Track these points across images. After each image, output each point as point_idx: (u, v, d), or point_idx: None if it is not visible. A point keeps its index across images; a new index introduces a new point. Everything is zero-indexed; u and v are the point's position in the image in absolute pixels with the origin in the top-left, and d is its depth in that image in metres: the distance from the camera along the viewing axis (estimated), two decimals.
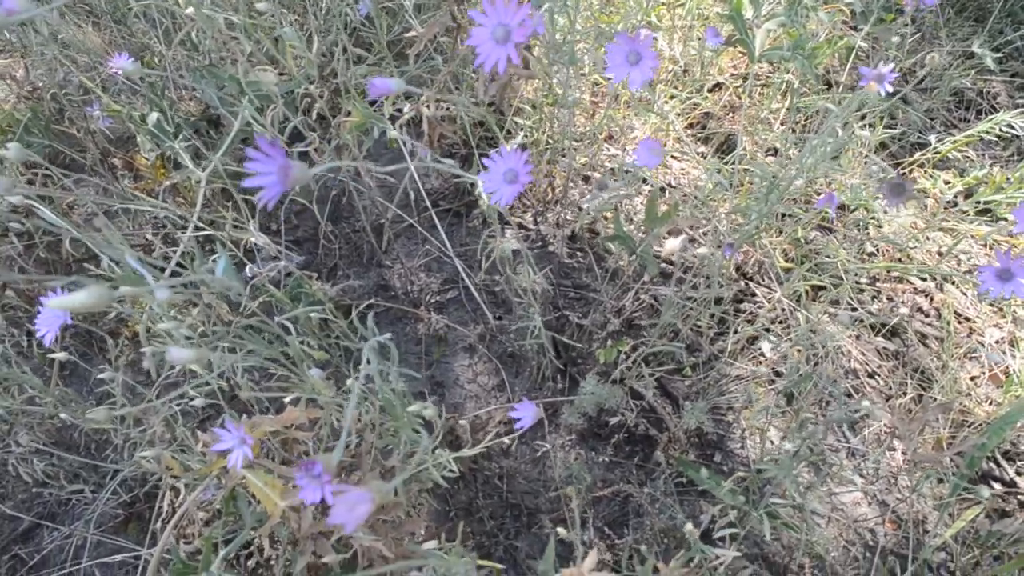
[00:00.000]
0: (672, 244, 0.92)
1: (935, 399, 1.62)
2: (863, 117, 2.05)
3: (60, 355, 1.05)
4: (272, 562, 1.24)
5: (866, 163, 1.97)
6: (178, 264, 1.25)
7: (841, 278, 1.76)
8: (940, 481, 1.53)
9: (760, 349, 1.66)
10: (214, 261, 0.77)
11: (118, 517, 1.36)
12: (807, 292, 1.71)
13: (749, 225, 1.29)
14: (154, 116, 1.57)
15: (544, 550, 1.38)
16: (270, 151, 0.57)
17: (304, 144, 1.36)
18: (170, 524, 1.15)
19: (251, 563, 1.26)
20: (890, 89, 1.03)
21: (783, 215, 1.84)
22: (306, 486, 0.65)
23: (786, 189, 1.33)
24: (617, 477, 1.46)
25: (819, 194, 1.98)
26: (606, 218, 1.76)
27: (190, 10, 1.19)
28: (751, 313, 1.70)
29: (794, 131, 2.05)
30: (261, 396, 1.24)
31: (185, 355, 0.70)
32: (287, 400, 1.38)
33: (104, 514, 1.35)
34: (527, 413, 0.92)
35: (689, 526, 0.97)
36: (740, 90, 2.18)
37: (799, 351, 1.55)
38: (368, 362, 0.96)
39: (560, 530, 1.03)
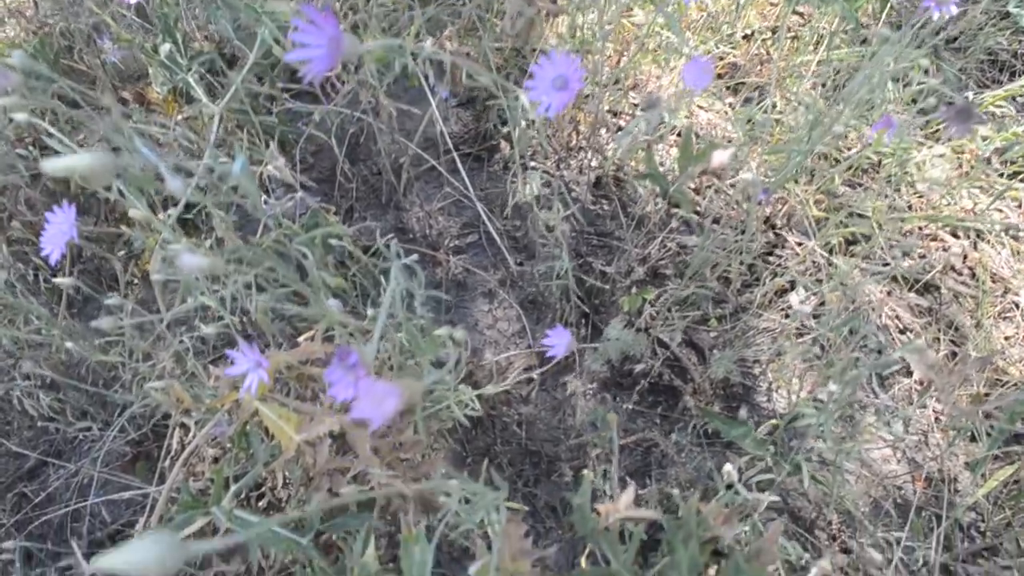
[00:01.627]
0: (720, 156, 0.86)
1: (970, 353, 1.57)
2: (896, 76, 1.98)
3: (67, 280, 1.00)
4: (284, 502, 1.21)
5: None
6: (188, 204, 1.20)
7: (872, 234, 1.70)
8: (973, 439, 1.48)
9: (788, 302, 1.61)
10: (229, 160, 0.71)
11: (126, 456, 1.33)
12: (839, 244, 1.65)
13: (789, 165, 1.23)
14: (167, 47, 1.51)
15: (563, 499, 1.34)
16: (320, 21, 0.52)
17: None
18: (179, 461, 1.11)
19: (262, 503, 1.22)
20: (955, 11, 0.96)
21: (812, 171, 1.78)
22: (338, 380, 0.60)
23: (828, 128, 1.27)
24: (639, 427, 1.42)
25: (850, 148, 1.92)
26: (634, 164, 1.70)
27: None
28: (779, 265, 1.64)
29: (824, 85, 1.98)
30: (276, 332, 1.20)
31: (198, 262, 0.65)
32: (303, 338, 1.33)
33: (111, 452, 1.31)
34: (561, 341, 0.87)
35: (728, 467, 0.92)
36: (770, 42, 2.11)
37: (837, 297, 1.49)
38: (392, 289, 0.92)
39: (586, 472, 0.98)
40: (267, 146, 1.41)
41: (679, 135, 1.86)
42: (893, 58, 1.11)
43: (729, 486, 1.23)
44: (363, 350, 0.59)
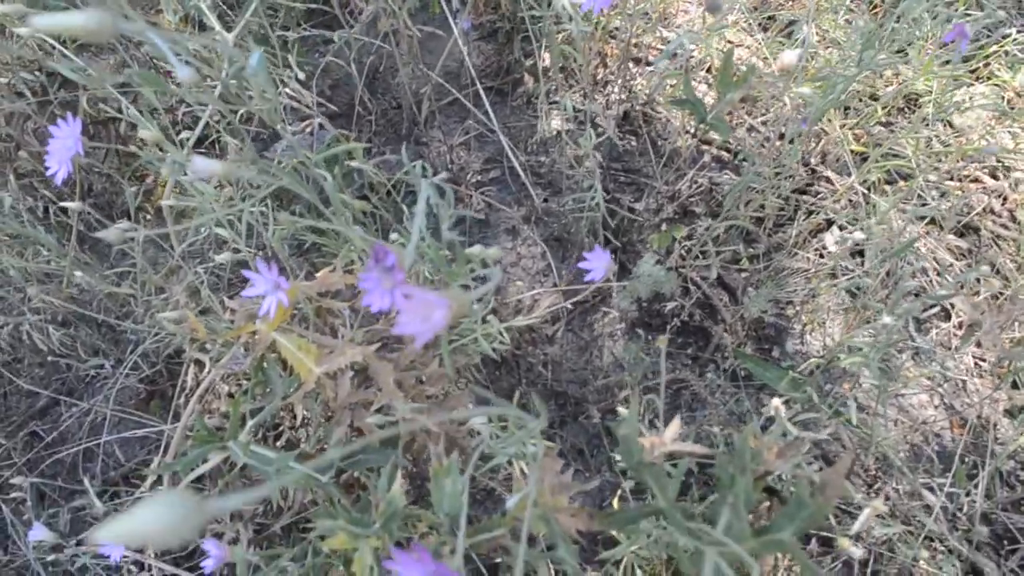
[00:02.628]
0: (788, 57, 0.79)
1: (1014, 295, 1.50)
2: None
3: (76, 204, 0.95)
4: (303, 441, 1.17)
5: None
6: (201, 137, 1.15)
7: (911, 173, 1.63)
8: (1015, 386, 1.43)
9: (822, 241, 1.55)
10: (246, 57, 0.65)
11: (140, 394, 1.28)
12: (878, 182, 1.58)
13: (836, 90, 1.16)
14: None
15: (591, 440, 1.30)
16: None
17: None
18: (194, 396, 1.06)
19: (280, 443, 1.18)
20: None
21: (846, 108, 1.71)
22: (372, 288, 0.54)
23: (872, 60, 1.19)
24: (669, 367, 1.37)
25: (888, 84, 1.84)
26: (662, 98, 1.63)
27: None
28: (815, 204, 1.57)
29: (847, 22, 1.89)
30: (293, 266, 1.15)
31: (212, 166, 0.60)
32: (321, 273, 1.28)
33: (125, 390, 1.27)
34: (600, 263, 0.81)
35: (776, 401, 0.87)
36: None
37: (880, 233, 1.43)
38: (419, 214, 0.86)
39: (621, 409, 0.93)
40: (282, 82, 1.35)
41: (708, 70, 1.78)
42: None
43: (767, 423, 1.18)
44: (400, 250, 0.53)
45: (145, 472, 1.23)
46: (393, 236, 0.89)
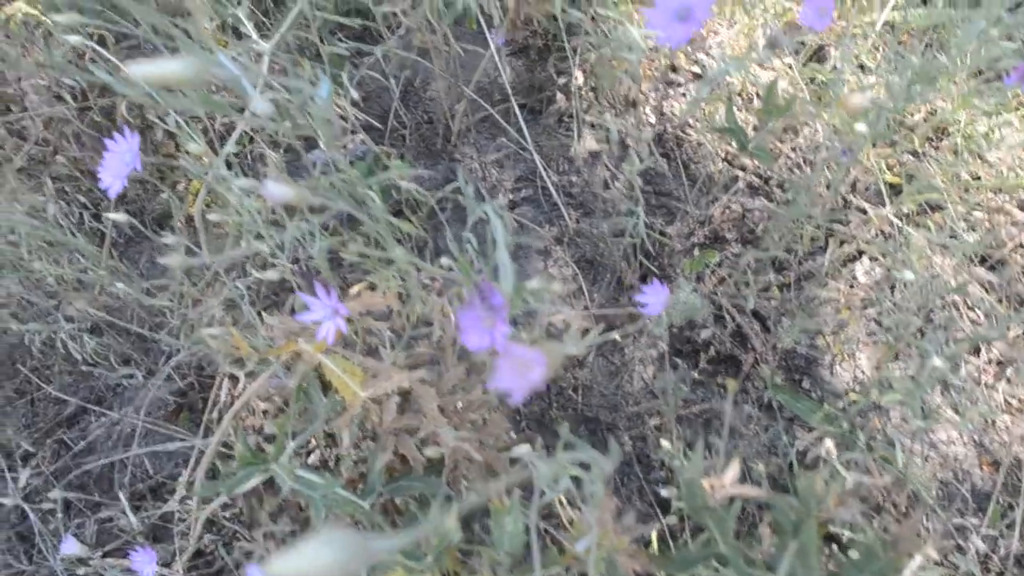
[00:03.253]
0: (857, 99, 0.78)
1: None
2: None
3: (120, 216, 0.94)
4: (337, 461, 1.16)
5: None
6: (236, 147, 1.14)
7: (939, 205, 1.63)
8: None
9: (853, 272, 1.54)
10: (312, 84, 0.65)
11: (169, 405, 1.28)
12: (912, 214, 1.58)
13: (879, 122, 1.15)
14: None
15: (622, 466, 1.29)
16: None
17: (391, 4, 1.23)
18: (229, 413, 1.05)
19: (312, 459, 1.17)
20: None
21: (874, 138, 1.70)
22: (472, 326, 0.54)
23: (931, 83, 1.19)
24: (698, 397, 1.36)
25: (913, 114, 1.83)
26: (694, 121, 1.63)
27: None
28: (846, 235, 1.57)
29: (880, 47, 1.89)
30: (331, 282, 1.14)
31: (284, 190, 0.59)
32: (354, 290, 1.28)
33: (154, 401, 1.26)
34: (657, 297, 0.81)
35: (828, 443, 0.86)
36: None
37: (904, 284, 1.42)
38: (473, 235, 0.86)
39: (664, 442, 0.93)
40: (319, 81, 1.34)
41: (739, 94, 1.78)
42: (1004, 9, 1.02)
43: (800, 455, 1.18)
44: (504, 287, 0.53)
45: (173, 486, 1.23)
46: (445, 261, 0.88)
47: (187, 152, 1.03)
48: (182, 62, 0.42)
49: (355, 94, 1.02)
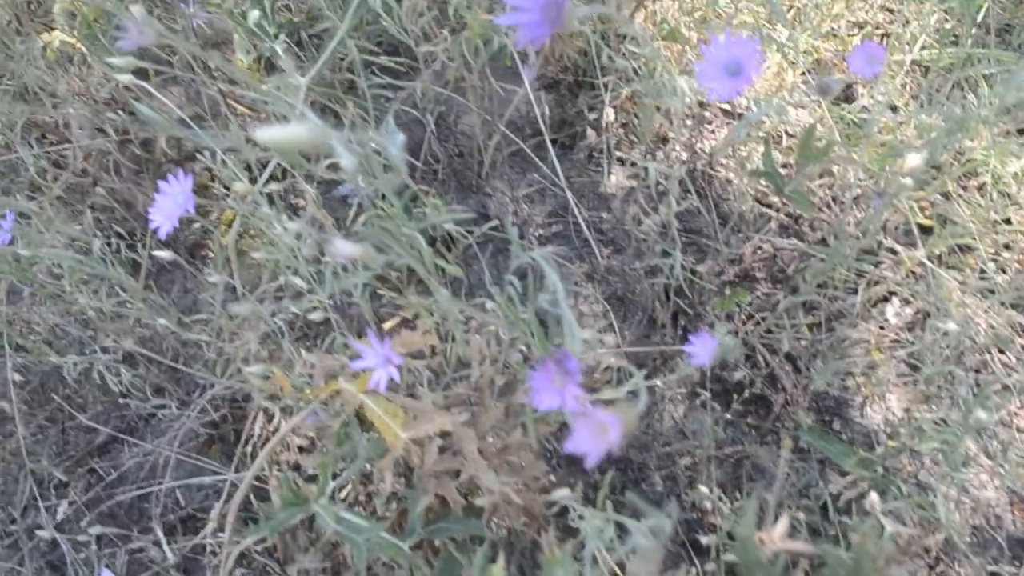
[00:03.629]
0: (914, 160, 0.79)
1: None
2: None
3: (165, 254, 0.95)
4: (368, 497, 1.16)
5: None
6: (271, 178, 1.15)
7: (970, 247, 1.62)
8: None
9: (883, 312, 1.54)
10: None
11: (201, 437, 1.28)
12: (944, 255, 1.58)
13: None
14: (255, 13, 1.46)
15: (654, 506, 1.28)
16: None
17: (432, 44, 1.24)
18: (266, 448, 1.06)
19: (343, 496, 1.17)
20: None
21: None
22: (543, 387, 0.54)
23: (955, 133, 1.19)
24: (729, 437, 1.35)
25: (943, 154, 1.83)
26: (727, 161, 1.63)
27: None
28: (876, 275, 1.56)
29: (908, 86, 1.90)
30: (369, 319, 1.14)
31: (351, 249, 0.60)
32: (388, 325, 1.28)
33: (187, 432, 1.27)
34: (705, 347, 0.81)
35: (874, 496, 0.86)
36: (858, 37, 2.03)
37: (936, 326, 1.42)
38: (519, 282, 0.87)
39: (702, 488, 0.92)
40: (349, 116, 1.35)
41: (770, 134, 1.78)
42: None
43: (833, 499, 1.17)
44: (575, 348, 0.53)
45: (204, 518, 1.23)
46: (490, 306, 0.88)
47: (228, 189, 1.04)
48: (304, 128, 0.43)
49: (402, 137, 1.02)
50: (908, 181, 0.85)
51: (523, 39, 0.47)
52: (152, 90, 1.05)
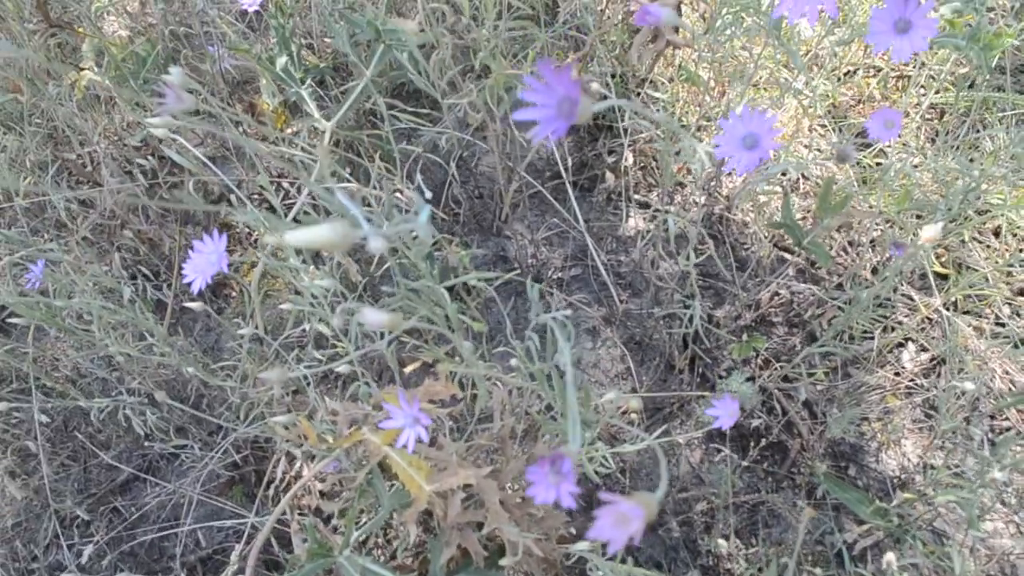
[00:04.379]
0: (930, 231, 0.80)
1: None
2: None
3: (196, 305, 0.97)
4: (387, 541, 1.17)
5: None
6: (301, 215, 1.17)
7: (983, 290, 1.63)
8: None
9: (899, 358, 1.55)
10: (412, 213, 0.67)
11: (222, 478, 1.29)
12: (959, 301, 1.58)
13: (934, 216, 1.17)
14: (283, 59, 1.48)
15: (668, 551, 1.29)
16: (552, 79, 0.48)
17: (458, 96, 1.26)
18: (288, 494, 1.07)
19: (362, 537, 1.18)
20: None
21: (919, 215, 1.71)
22: (539, 480, 0.56)
23: (975, 190, 1.21)
24: (745, 483, 1.36)
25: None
26: (744, 208, 1.65)
27: None
28: (893, 320, 1.57)
29: (931, 133, 1.92)
30: (379, 373, 1.16)
31: (381, 318, 0.62)
32: (409, 369, 1.29)
33: (209, 473, 1.28)
34: (727, 411, 0.82)
35: (889, 556, 0.86)
36: (877, 82, 2.05)
37: (951, 372, 1.43)
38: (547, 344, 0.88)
39: (720, 542, 0.93)
40: (372, 161, 1.38)
41: (787, 179, 1.80)
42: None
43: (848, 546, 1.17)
44: (571, 451, 0.55)
45: (225, 560, 1.24)
46: (514, 362, 0.90)
47: (251, 229, 1.06)
48: (334, 227, 0.45)
49: (428, 193, 1.04)
50: (929, 234, 0.86)
51: (540, 134, 0.49)
52: (178, 137, 1.07)
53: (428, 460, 0.93)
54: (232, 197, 1.09)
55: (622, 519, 0.47)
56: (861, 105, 2.06)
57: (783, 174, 1.66)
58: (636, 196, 1.69)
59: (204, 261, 0.82)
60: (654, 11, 0.61)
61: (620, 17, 1.65)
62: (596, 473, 1.03)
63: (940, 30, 1.89)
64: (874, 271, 1.66)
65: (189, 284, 0.84)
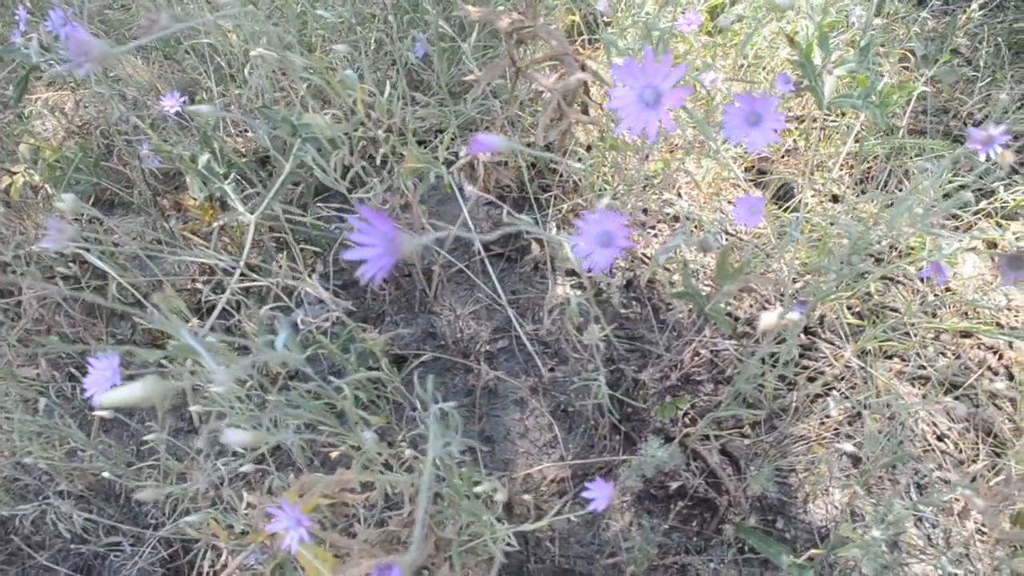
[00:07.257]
0: (768, 319, 0.85)
1: (1010, 465, 1.53)
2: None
3: (104, 412, 1.00)
4: None
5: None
6: (224, 311, 1.21)
7: (907, 333, 1.69)
8: (1017, 550, 1.44)
9: (824, 408, 1.59)
10: (271, 325, 0.72)
11: (155, 574, 1.31)
12: (876, 348, 1.63)
13: (827, 284, 1.22)
14: (205, 157, 1.53)
15: None
16: (374, 220, 0.52)
17: (365, 190, 1.32)
18: None
19: None
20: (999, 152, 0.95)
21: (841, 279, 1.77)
22: None
23: (865, 248, 1.26)
24: (674, 543, 1.39)
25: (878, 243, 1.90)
26: (667, 269, 1.70)
27: (255, 51, 1.15)
28: (815, 370, 1.62)
29: (854, 177, 1.98)
30: (311, 456, 1.19)
31: (242, 437, 0.65)
32: (336, 454, 1.32)
33: (141, 571, 1.30)
34: (602, 493, 0.86)
35: None
36: (799, 133, 2.12)
37: (874, 418, 1.48)
38: (429, 434, 0.91)
39: None
40: (303, 256, 1.42)
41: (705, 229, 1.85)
42: (934, 189, 1.10)
43: None
44: (405, 561, 0.58)
45: None
46: (409, 453, 0.94)
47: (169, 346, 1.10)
48: (145, 385, 0.49)
49: (331, 285, 1.09)
50: (795, 316, 0.91)
51: (368, 272, 0.53)
52: (86, 250, 1.11)
53: (334, 548, 0.96)
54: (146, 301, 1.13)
55: None
56: (786, 157, 2.13)
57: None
58: (561, 265, 1.74)
59: (100, 378, 0.86)
60: (483, 141, 0.66)
61: (529, 96, 1.72)
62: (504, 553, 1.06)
63: (843, 85, 1.97)
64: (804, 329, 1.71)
65: (91, 397, 0.88)
